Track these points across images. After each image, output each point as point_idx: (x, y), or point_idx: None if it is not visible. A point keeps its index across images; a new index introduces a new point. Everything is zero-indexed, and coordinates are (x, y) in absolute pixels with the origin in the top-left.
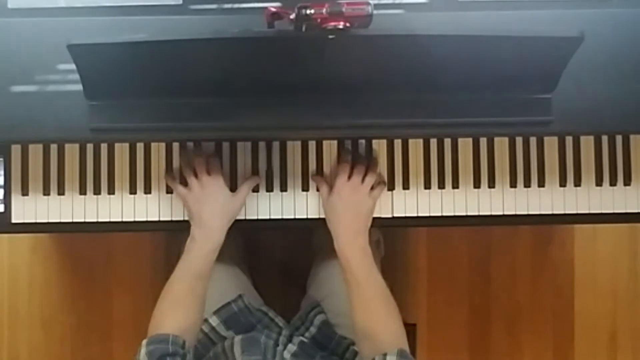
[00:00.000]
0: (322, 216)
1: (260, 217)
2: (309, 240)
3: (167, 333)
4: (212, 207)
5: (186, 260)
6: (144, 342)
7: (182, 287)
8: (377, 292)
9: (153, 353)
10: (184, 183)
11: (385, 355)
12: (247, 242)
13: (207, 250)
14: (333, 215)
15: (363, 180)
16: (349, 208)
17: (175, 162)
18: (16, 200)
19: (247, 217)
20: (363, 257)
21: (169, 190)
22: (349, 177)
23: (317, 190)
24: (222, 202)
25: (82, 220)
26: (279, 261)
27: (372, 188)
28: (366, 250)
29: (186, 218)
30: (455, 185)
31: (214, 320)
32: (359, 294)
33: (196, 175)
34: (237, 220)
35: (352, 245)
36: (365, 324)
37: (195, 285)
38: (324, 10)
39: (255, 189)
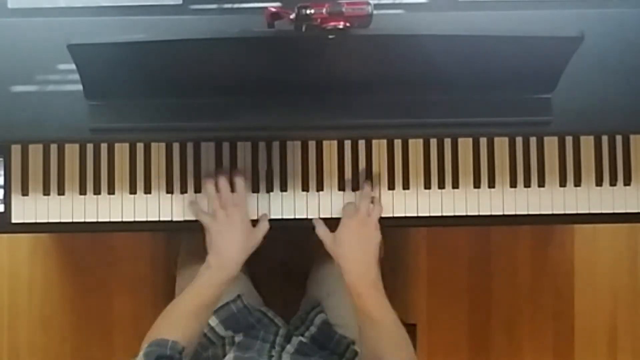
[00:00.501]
0: (322, 216)
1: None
2: (309, 240)
3: (167, 338)
4: (233, 240)
5: (197, 286)
6: (144, 344)
7: (188, 311)
8: (389, 325)
9: (150, 354)
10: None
11: None
12: None
13: (220, 280)
14: (342, 251)
15: (369, 212)
16: (359, 243)
17: (175, 162)
18: (16, 200)
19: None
20: (375, 291)
21: (169, 190)
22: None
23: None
24: (243, 236)
25: (82, 220)
26: (279, 261)
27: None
28: (377, 284)
29: (186, 218)
30: (455, 185)
31: (212, 321)
32: (371, 328)
33: (223, 206)
34: None
35: (364, 280)
36: (376, 354)
37: (201, 313)
38: (324, 10)
39: (255, 189)
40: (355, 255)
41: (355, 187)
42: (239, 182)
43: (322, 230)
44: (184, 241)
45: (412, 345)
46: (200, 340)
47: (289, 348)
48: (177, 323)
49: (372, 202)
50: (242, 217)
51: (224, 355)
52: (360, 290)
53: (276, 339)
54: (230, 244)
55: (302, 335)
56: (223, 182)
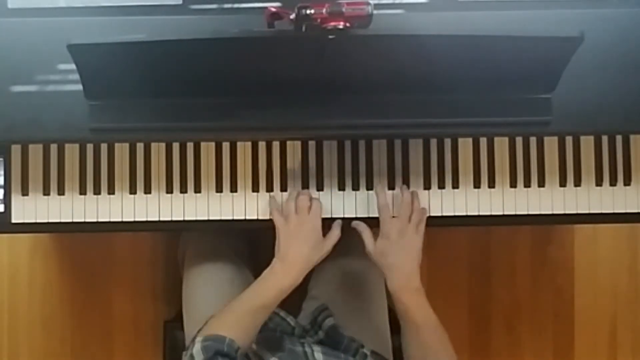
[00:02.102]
0: (322, 216)
1: (261, 218)
2: None
3: (225, 335)
4: (301, 248)
5: (259, 288)
6: (199, 338)
7: (247, 311)
8: (433, 330)
9: (208, 348)
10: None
11: None
12: (250, 243)
13: (282, 286)
14: (385, 260)
15: (410, 218)
16: (400, 251)
17: (175, 162)
18: (16, 200)
19: (248, 217)
20: (418, 298)
21: (169, 190)
22: (395, 216)
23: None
24: (313, 245)
25: (82, 220)
26: None
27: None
28: (420, 291)
29: (186, 218)
30: (455, 185)
31: None
32: (417, 335)
33: (296, 210)
34: (237, 221)
35: (408, 287)
36: (422, 358)
37: (259, 313)
38: (324, 10)
39: (255, 189)
40: (398, 264)
41: (356, 187)
42: (317, 201)
43: (367, 237)
44: (192, 241)
45: (452, 347)
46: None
47: (318, 347)
48: (234, 322)
49: (417, 211)
50: (314, 226)
51: None
52: (405, 298)
53: (293, 337)
54: (298, 252)
55: (312, 338)
56: (305, 192)
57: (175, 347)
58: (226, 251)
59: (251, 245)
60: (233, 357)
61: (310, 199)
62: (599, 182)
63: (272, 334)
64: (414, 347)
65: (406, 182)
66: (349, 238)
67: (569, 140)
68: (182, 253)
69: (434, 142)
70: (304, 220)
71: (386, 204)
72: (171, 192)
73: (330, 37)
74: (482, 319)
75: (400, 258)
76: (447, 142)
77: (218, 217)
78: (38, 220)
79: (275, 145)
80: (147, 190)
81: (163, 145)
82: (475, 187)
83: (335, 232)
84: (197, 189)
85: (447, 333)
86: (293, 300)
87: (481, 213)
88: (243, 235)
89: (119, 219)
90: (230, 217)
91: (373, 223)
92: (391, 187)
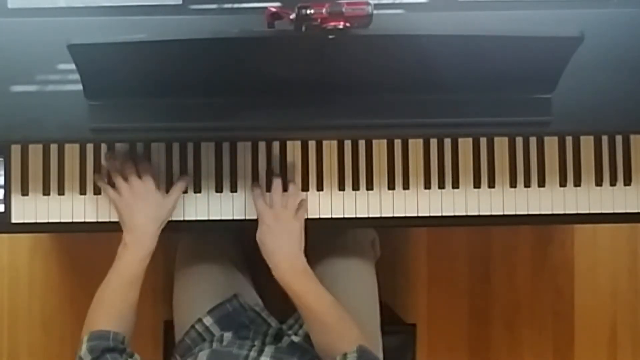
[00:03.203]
0: (322, 215)
1: None
2: (306, 241)
3: (108, 330)
4: (143, 213)
5: (118, 267)
6: (85, 338)
7: (115, 294)
8: (328, 310)
9: (94, 348)
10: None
11: (345, 355)
12: (247, 242)
13: (138, 256)
14: (265, 247)
15: (284, 204)
16: (278, 235)
17: (175, 162)
18: (16, 200)
19: (248, 217)
20: (306, 280)
21: (169, 190)
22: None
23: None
24: (154, 207)
25: (82, 220)
26: None
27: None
28: (307, 272)
29: (186, 218)
30: (455, 185)
31: (207, 320)
32: (313, 318)
33: (125, 179)
34: (237, 221)
35: (292, 271)
36: (326, 343)
37: (128, 292)
38: (324, 10)
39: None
40: (278, 249)
41: (356, 187)
42: (143, 165)
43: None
44: (183, 243)
45: (356, 323)
46: (192, 337)
47: (270, 348)
48: (110, 312)
49: (293, 195)
50: (149, 189)
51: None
52: (292, 282)
53: (265, 338)
54: (141, 217)
55: (296, 334)
56: (127, 161)
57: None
58: (217, 254)
59: (245, 247)
60: (121, 349)
61: (136, 162)
62: (599, 182)
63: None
64: (316, 332)
65: (406, 182)
66: (339, 237)
67: (569, 140)
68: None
69: (434, 142)
70: (137, 187)
71: (259, 193)
72: None
73: (330, 37)
74: (482, 319)
75: (278, 242)
76: (447, 142)
77: (218, 217)
78: (38, 220)
79: (275, 145)
80: None
81: (163, 145)
82: (475, 187)
83: (179, 185)
84: (197, 189)
85: (347, 312)
86: (291, 300)
87: (481, 213)
88: (235, 237)
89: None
90: (230, 217)
91: (373, 223)
92: (391, 187)
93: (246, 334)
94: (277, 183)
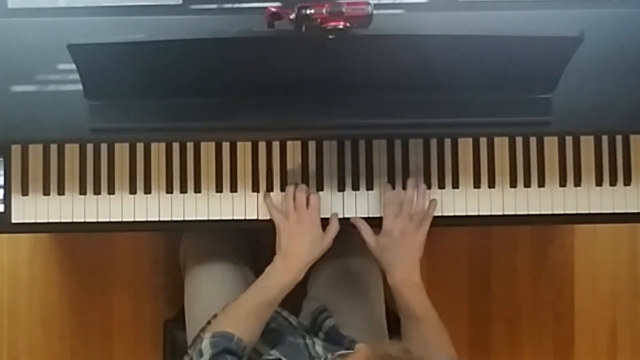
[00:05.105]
0: (322, 216)
1: (261, 218)
2: None
3: (233, 333)
4: (302, 244)
5: (262, 285)
6: (208, 334)
7: (251, 308)
8: (433, 325)
9: (217, 344)
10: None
11: None
12: (250, 243)
13: (285, 282)
14: (386, 256)
15: (411, 216)
16: (402, 247)
17: (175, 162)
18: (16, 200)
19: (248, 217)
20: (419, 293)
21: (169, 190)
22: (397, 215)
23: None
24: (312, 241)
25: (82, 220)
26: None
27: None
28: (420, 286)
29: (186, 218)
30: (455, 185)
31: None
32: (418, 330)
33: (295, 206)
34: (237, 221)
35: (408, 283)
36: (422, 355)
37: (263, 311)
38: (324, 10)
39: (255, 189)
40: (399, 260)
41: (356, 187)
42: (315, 196)
43: (366, 234)
44: (193, 242)
45: (450, 340)
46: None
47: (316, 340)
48: (240, 319)
49: (420, 208)
50: (313, 221)
51: None
52: (406, 293)
53: (305, 339)
54: (298, 248)
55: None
56: (302, 188)
57: (175, 347)
58: (227, 251)
59: (252, 245)
60: (240, 356)
61: (308, 194)
62: (599, 182)
63: (273, 330)
64: (414, 342)
65: (406, 182)
66: (346, 238)
67: (569, 140)
68: (184, 254)
69: (434, 142)
70: (303, 216)
71: (391, 202)
72: (171, 192)
73: (330, 37)
74: (482, 319)
75: (401, 254)
76: (447, 142)
77: (218, 217)
78: (38, 220)
79: (275, 145)
80: (147, 190)
81: (163, 145)
82: (475, 187)
83: (334, 225)
84: (197, 189)
85: (446, 329)
86: (293, 300)
87: (481, 213)
88: (243, 235)
89: (119, 219)
90: (230, 217)
91: (373, 223)
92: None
93: (272, 330)
94: (409, 193)
